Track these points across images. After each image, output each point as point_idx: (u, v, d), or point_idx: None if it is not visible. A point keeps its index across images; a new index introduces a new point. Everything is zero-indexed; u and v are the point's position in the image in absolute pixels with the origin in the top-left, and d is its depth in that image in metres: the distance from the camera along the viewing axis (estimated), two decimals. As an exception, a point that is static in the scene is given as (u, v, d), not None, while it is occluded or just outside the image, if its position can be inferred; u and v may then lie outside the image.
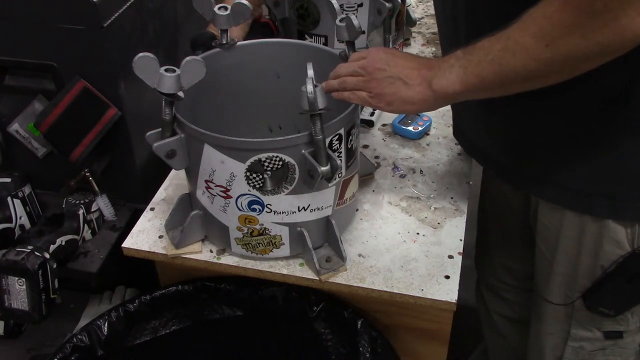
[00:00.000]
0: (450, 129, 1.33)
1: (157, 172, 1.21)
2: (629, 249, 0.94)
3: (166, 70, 0.88)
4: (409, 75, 0.88)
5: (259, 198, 0.95)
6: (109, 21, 1.09)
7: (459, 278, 1.00)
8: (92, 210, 1.21)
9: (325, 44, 1.33)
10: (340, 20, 1.01)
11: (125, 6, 1.13)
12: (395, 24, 1.38)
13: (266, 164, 0.91)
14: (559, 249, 1.01)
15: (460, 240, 1.07)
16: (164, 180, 1.22)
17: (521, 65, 0.76)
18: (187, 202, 1.08)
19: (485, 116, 1.00)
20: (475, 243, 1.41)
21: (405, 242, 1.07)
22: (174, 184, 1.21)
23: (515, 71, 0.77)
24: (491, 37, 0.79)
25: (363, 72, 0.91)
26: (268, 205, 0.96)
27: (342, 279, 1.01)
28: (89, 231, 1.21)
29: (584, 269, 1.00)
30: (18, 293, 1.05)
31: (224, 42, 1.08)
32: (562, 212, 0.98)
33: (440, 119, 1.35)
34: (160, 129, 0.95)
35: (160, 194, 1.19)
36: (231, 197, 0.96)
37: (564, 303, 1.04)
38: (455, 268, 1.02)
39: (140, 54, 0.88)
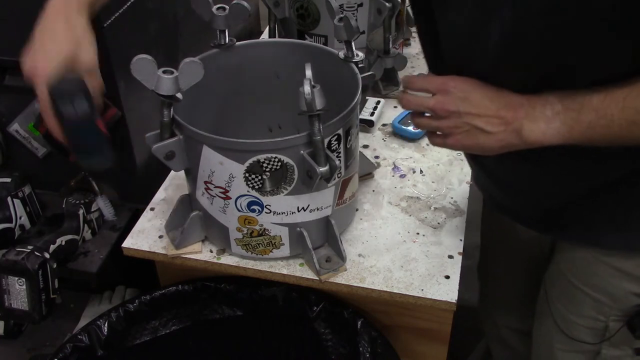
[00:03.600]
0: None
1: (157, 172, 1.21)
2: None
3: (164, 72, 0.88)
4: (488, 121, 0.78)
5: (258, 199, 0.95)
6: (109, 21, 1.08)
7: (459, 278, 1.00)
8: (92, 210, 1.21)
9: (325, 44, 1.33)
10: (338, 20, 1.01)
11: (125, 6, 1.13)
12: (395, 23, 1.38)
13: (265, 164, 0.91)
14: (591, 273, 0.96)
15: (460, 240, 1.07)
16: (164, 180, 1.22)
17: None
18: (187, 203, 1.08)
19: (504, 175, 0.96)
20: (479, 262, 1.37)
21: (405, 242, 1.07)
22: (174, 184, 1.21)
23: (638, 139, 0.72)
24: (602, 97, 0.71)
25: (433, 114, 0.83)
26: (267, 206, 0.96)
27: (342, 279, 1.01)
28: (89, 231, 1.21)
29: (621, 292, 0.94)
30: (18, 293, 1.05)
31: (223, 42, 1.08)
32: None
33: (441, 119, 1.35)
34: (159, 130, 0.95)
35: (160, 194, 1.19)
36: (230, 198, 0.96)
37: (593, 341, 1.00)
38: (455, 268, 1.02)
39: (138, 56, 0.87)
